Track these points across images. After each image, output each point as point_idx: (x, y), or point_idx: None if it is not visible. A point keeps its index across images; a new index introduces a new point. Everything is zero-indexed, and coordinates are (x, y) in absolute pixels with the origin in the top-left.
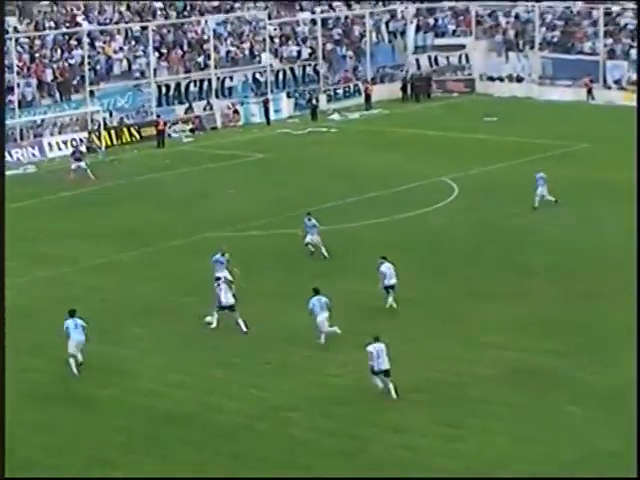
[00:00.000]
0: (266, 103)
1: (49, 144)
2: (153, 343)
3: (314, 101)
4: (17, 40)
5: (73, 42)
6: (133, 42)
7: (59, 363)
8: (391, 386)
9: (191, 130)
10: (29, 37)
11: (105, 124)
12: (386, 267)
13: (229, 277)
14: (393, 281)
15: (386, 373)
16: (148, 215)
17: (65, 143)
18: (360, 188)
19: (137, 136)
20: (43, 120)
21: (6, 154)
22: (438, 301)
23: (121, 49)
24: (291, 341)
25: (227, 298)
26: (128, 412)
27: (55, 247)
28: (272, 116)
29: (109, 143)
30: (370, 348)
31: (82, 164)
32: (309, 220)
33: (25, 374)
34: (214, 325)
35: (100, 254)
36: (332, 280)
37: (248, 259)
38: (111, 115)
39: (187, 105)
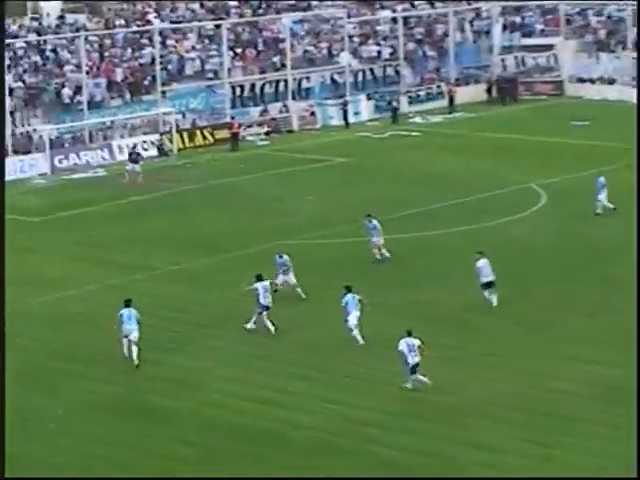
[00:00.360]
0: (345, 105)
1: (119, 147)
2: (227, 354)
3: (395, 103)
4: (86, 38)
5: (144, 41)
6: (206, 41)
7: (130, 374)
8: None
9: (266, 133)
10: (98, 35)
11: (177, 126)
12: (482, 263)
13: (291, 281)
14: (491, 278)
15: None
16: (222, 221)
17: (136, 146)
18: (443, 194)
19: (210, 139)
20: (113, 122)
21: (75, 157)
22: (523, 313)
23: (194, 48)
24: (370, 353)
25: (265, 298)
26: (200, 426)
27: (126, 254)
28: (351, 119)
29: (181, 146)
30: (401, 346)
31: (137, 167)
32: (369, 222)
33: (94, 385)
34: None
35: (173, 261)
36: (410, 289)
37: (324, 268)
38: (184, 117)
39: (262, 107)
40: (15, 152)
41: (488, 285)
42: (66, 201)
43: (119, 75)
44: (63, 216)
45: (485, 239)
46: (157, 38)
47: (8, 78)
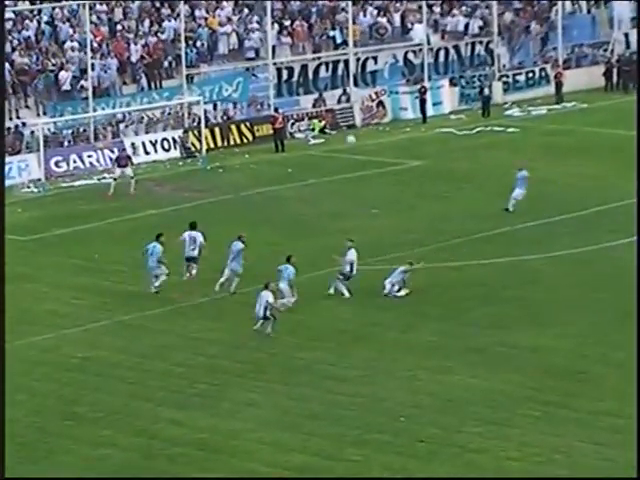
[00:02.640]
0: (422, 93)
1: (133, 146)
2: (270, 412)
3: (486, 91)
4: (92, 8)
5: (165, 11)
6: (245, 11)
7: (144, 437)
8: None
9: (321, 129)
10: (108, 4)
11: (207, 120)
12: None
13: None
14: None
15: None
16: (261, 242)
17: (154, 144)
18: (544, 208)
19: (249, 136)
20: (125, 114)
21: (76, 159)
22: None
23: (229, 20)
24: (454, 412)
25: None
26: None
27: (138, 283)
28: (430, 111)
29: (212, 145)
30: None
31: (128, 171)
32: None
33: (98, 451)
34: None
35: (197, 292)
36: (507, 331)
37: (396, 302)
38: (215, 108)
39: (316, 95)
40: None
41: None
42: (64, 215)
43: (133, 55)
44: (60, 234)
45: (595, 265)
46: (182, 8)
47: None
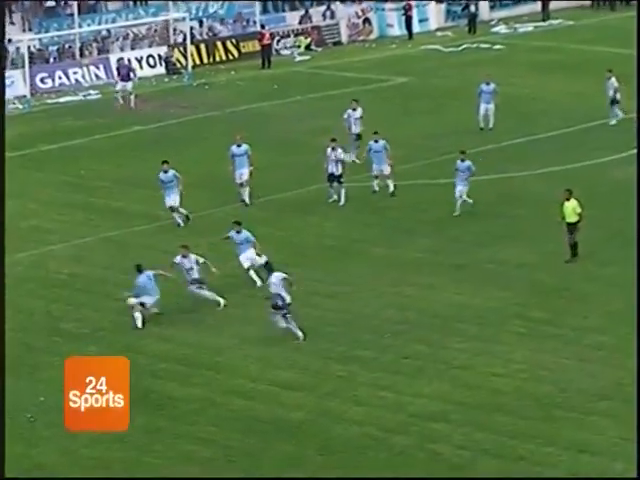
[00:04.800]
0: (408, 10)
1: (118, 62)
2: (255, 328)
3: (472, 8)
4: None
5: None
6: None
7: (131, 353)
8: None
9: (307, 46)
10: None
11: (192, 36)
12: None
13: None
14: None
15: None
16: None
17: (140, 61)
18: (530, 125)
19: (235, 53)
20: (110, 31)
21: (62, 75)
22: (631, 278)
23: None
24: (439, 328)
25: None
26: (217, 419)
27: (124, 199)
28: (416, 27)
29: (197, 62)
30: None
31: (129, 86)
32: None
33: None
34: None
35: (186, 208)
36: (493, 248)
37: (378, 218)
38: (201, 25)
39: (302, 12)
40: None
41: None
42: (50, 131)
43: None
44: (46, 150)
45: (579, 182)
46: None
47: None
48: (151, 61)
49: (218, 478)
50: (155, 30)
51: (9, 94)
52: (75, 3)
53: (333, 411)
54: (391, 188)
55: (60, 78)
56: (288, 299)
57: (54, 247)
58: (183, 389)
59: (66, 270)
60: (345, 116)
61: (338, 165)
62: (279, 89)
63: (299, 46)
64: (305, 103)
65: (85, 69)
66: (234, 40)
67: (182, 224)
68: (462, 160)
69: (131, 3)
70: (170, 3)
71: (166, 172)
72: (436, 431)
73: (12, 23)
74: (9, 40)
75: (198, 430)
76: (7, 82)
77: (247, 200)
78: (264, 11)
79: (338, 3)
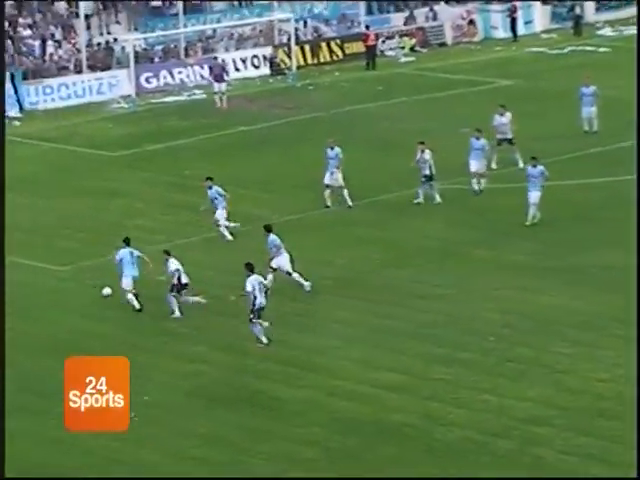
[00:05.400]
0: (513, 12)
1: (223, 62)
2: (356, 330)
3: (578, 10)
4: None
5: None
6: None
7: (235, 353)
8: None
9: (412, 47)
10: None
11: (297, 37)
12: None
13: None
14: None
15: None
16: (353, 159)
17: (244, 61)
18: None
19: (339, 54)
20: (215, 30)
21: (167, 75)
22: None
23: None
24: (541, 331)
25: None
26: (323, 420)
27: (231, 200)
28: (521, 29)
29: (302, 62)
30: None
31: (222, 87)
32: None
33: (189, 365)
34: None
35: (288, 209)
36: (598, 251)
37: (485, 220)
38: (305, 25)
39: (407, 13)
40: (91, 68)
41: None
42: (154, 131)
43: None
44: (150, 150)
45: None
46: None
47: None
48: (256, 61)
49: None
50: (260, 30)
51: (114, 93)
52: (180, 3)
53: (435, 414)
54: (481, 187)
55: (165, 78)
56: (263, 302)
57: (159, 247)
58: (287, 390)
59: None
60: (494, 123)
61: (426, 166)
62: (383, 90)
63: (403, 47)
64: (410, 104)
65: (190, 69)
66: (339, 41)
67: (230, 237)
68: (534, 166)
69: (236, 3)
70: (275, 4)
71: (210, 188)
72: (539, 435)
73: (118, 22)
74: (115, 39)
75: (302, 431)
76: (112, 82)
77: (349, 202)
78: (369, 12)
79: (442, 4)
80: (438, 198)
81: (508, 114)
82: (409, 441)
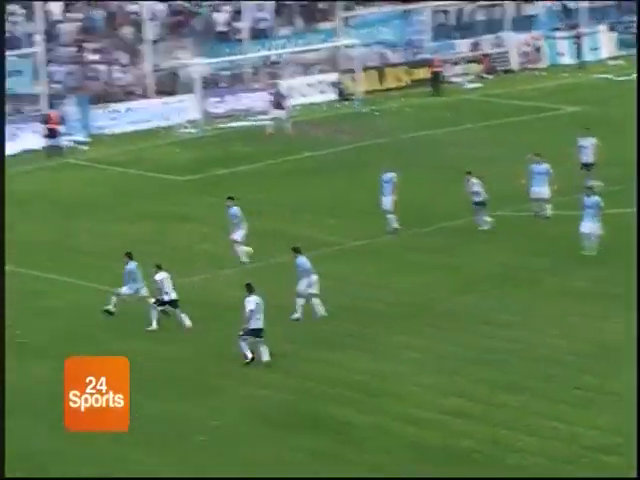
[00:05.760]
0: (579, 38)
1: (288, 88)
2: (423, 355)
3: None
4: None
5: None
6: None
7: (303, 378)
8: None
9: (477, 74)
10: None
11: (363, 63)
12: None
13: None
14: None
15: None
16: (419, 185)
17: (310, 86)
18: None
19: (405, 79)
20: (281, 56)
21: (232, 100)
22: None
23: None
24: (608, 359)
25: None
26: (391, 446)
27: (295, 224)
28: (587, 56)
29: (367, 88)
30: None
31: (282, 114)
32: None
33: (257, 390)
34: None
35: (354, 234)
36: None
37: (553, 247)
38: (371, 51)
39: (473, 40)
40: (158, 93)
41: None
42: (221, 156)
43: None
44: (216, 175)
45: None
46: None
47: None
48: (321, 87)
49: None
50: (325, 56)
51: (181, 118)
52: (246, 28)
53: (504, 440)
54: (547, 213)
55: (231, 103)
56: (259, 325)
57: (226, 271)
58: (355, 415)
59: (238, 294)
60: (578, 146)
61: (476, 194)
62: (449, 116)
63: (469, 74)
64: (475, 131)
65: (255, 95)
66: (405, 67)
67: (245, 260)
68: (588, 196)
69: (301, 29)
70: (340, 29)
71: (229, 207)
72: (609, 464)
73: (184, 48)
74: (181, 64)
75: (370, 457)
76: (179, 106)
77: (395, 226)
78: (435, 38)
79: (508, 31)
80: (485, 226)
81: (591, 139)
82: (479, 467)
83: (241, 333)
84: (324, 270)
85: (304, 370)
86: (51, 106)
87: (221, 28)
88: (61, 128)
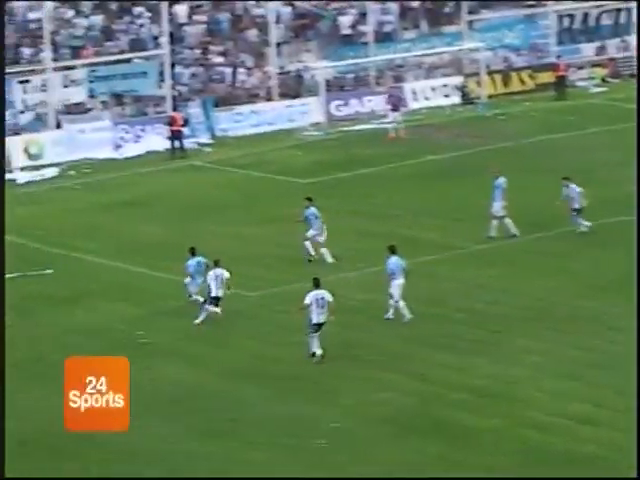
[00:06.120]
0: None
1: (412, 91)
2: (545, 359)
3: None
4: None
5: None
6: None
7: (427, 381)
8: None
9: (603, 78)
10: None
11: (487, 66)
12: None
13: None
14: None
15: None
16: (543, 189)
17: (434, 90)
18: None
19: (529, 83)
20: (405, 59)
21: (356, 103)
22: None
23: None
24: None
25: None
26: (514, 450)
27: (417, 227)
28: None
29: (492, 91)
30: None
31: (398, 116)
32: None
33: (381, 393)
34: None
35: (477, 238)
36: None
37: None
38: (495, 54)
39: (598, 44)
40: (282, 96)
41: None
42: (343, 159)
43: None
44: (339, 178)
45: None
46: None
47: (276, 2)
48: (445, 90)
49: None
50: (450, 60)
51: (304, 121)
52: (371, 31)
53: (629, 446)
54: None
55: (355, 106)
56: (321, 320)
57: (347, 274)
58: (478, 419)
59: (359, 297)
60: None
61: (574, 201)
62: (574, 120)
63: (594, 78)
64: (600, 135)
65: (379, 97)
66: (529, 70)
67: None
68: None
69: (426, 32)
70: (465, 33)
71: (308, 208)
72: None
73: (308, 51)
74: (306, 67)
75: (492, 461)
76: (302, 109)
77: (513, 231)
78: (559, 42)
79: (634, 35)
80: (582, 228)
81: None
82: (601, 472)
83: (308, 331)
84: (446, 273)
85: (426, 373)
86: (175, 108)
87: (346, 31)
88: (185, 130)
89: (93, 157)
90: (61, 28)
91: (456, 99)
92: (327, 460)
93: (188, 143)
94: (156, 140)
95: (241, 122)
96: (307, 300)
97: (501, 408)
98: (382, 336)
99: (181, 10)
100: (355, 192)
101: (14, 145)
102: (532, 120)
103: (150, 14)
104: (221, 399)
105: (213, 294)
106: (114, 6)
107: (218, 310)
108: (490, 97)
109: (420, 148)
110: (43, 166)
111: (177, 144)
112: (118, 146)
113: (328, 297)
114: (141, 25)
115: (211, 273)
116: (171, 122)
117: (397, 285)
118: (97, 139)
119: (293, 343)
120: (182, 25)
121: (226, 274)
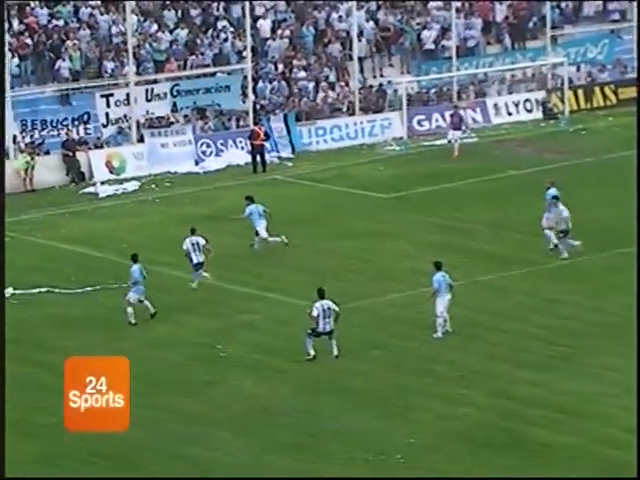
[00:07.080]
0: None
1: (495, 106)
2: (626, 377)
3: None
4: None
5: None
6: None
7: (503, 397)
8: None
9: None
10: None
11: (570, 81)
12: None
13: None
14: None
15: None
16: (621, 205)
17: (517, 105)
18: None
19: (613, 99)
20: (487, 74)
21: (439, 117)
22: None
23: None
24: None
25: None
26: (590, 469)
27: (498, 242)
28: None
29: (575, 107)
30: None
31: (457, 134)
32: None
33: (457, 408)
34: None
35: (556, 254)
36: None
37: None
38: (578, 70)
39: None
40: (364, 110)
41: None
42: (425, 173)
43: (499, 15)
44: (420, 192)
45: None
46: None
47: (359, 15)
48: (528, 105)
49: None
50: (533, 75)
51: (386, 135)
52: (454, 46)
53: None
54: None
55: (437, 120)
56: (327, 329)
57: (426, 289)
58: (555, 436)
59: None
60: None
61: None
62: None
63: None
64: None
65: (462, 112)
66: (612, 86)
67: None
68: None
69: (509, 47)
70: (549, 47)
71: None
72: None
73: (391, 65)
74: (388, 82)
75: (568, 478)
76: (385, 124)
77: (554, 241)
78: None
79: None
80: (565, 254)
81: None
82: None
83: (309, 332)
84: (527, 289)
85: (505, 389)
86: (257, 122)
87: (429, 46)
88: (267, 144)
89: (174, 171)
90: (145, 42)
91: (538, 114)
92: (403, 475)
93: (269, 157)
94: (237, 154)
95: (323, 136)
96: (314, 312)
97: (578, 424)
98: (462, 352)
99: (265, 24)
100: (436, 207)
101: (96, 159)
102: (615, 135)
103: (233, 28)
104: (299, 413)
105: (195, 261)
106: (198, 20)
107: (207, 275)
108: (572, 112)
109: (502, 163)
110: (125, 180)
111: (258, 158)
112: (199, 160)
113: (334, 307)
114: (225, 39)
115: (187, 241)
116: (253, 136)
117: (442, 301)
118: (179, 153)
119: (372, 358)
120: (265, 39)
121: (202, 241)
